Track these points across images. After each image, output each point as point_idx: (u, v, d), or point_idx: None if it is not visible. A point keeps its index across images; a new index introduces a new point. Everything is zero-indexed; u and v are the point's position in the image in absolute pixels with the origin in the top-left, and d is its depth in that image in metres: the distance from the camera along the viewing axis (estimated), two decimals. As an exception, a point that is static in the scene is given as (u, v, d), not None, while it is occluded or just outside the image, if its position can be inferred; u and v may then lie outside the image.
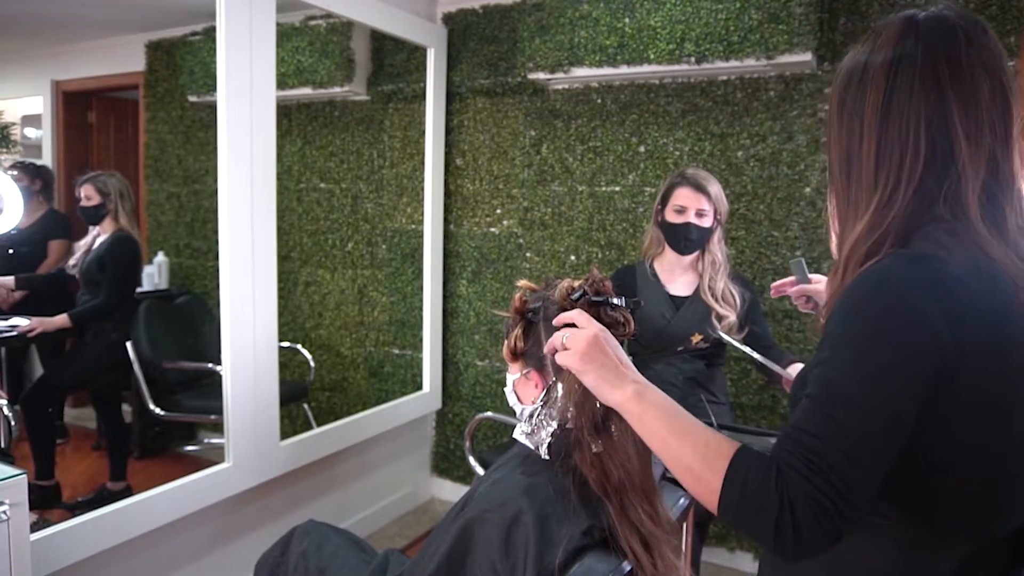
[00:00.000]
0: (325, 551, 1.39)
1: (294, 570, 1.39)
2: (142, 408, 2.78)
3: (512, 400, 1.19)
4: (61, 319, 2.56)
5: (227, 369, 2.05)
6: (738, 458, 0.74)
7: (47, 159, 3.05)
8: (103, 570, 1.84)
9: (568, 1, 2.56)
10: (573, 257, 2.86)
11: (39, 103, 3.10)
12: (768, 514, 0.69)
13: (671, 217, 2.04)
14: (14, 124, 2.74)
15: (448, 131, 3.04)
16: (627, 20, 2.46)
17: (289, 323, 3.28)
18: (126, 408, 2.93)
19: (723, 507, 0.74)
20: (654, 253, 2.13)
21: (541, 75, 2.68)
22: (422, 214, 3.01)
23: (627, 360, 0.93)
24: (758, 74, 2.46)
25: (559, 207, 2.87)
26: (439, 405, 3.15)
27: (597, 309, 1.09)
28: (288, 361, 3.19)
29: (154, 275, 3.20)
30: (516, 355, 1.17)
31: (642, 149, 2.69)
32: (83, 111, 3.20)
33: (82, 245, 2.65)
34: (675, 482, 1.43)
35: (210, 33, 2.88)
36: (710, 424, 0.85)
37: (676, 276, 2.10)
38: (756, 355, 1.68)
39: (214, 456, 2.19)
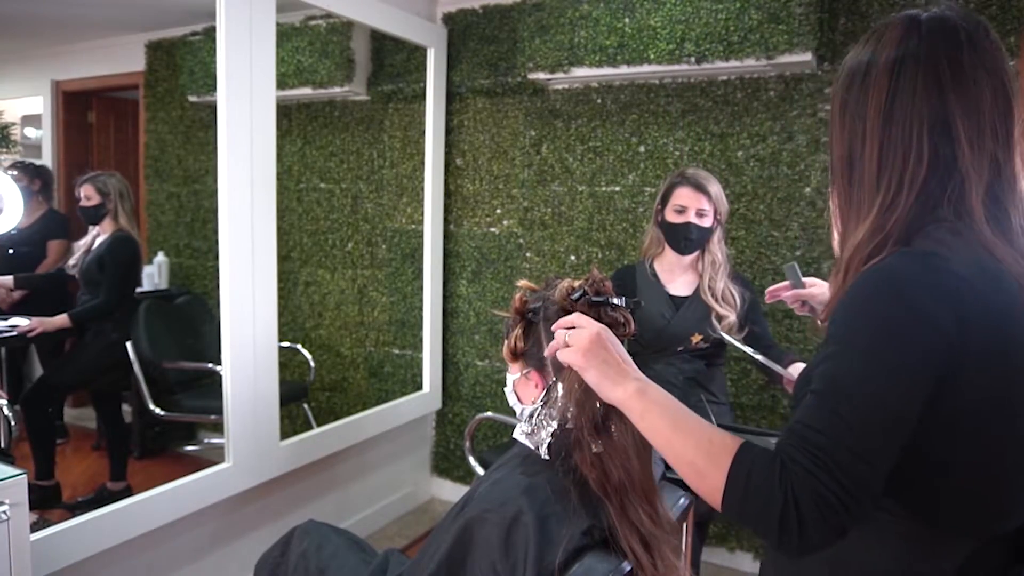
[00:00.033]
0: (325, 551, 1.39)
1: (294, 570, 1.39)
2: (142, 408, 2.78)
3: (512, 400, 1.19)
4: (61, 319, 2.56)
5: (227, 369, 2.05)
6: (742, 454, 0.74)
7: (47, 159, 3.05)
8: (103, 570, 1.84)
9: (568, 1, 2.56)
10: (573, 257, 2.86)
11: (39, 103, 3.09)
12: (772, 509, 0.69)
13: (671, 217, 2.04)
14: (14, 124, 2.74)
15: (448, 131, 3.04)
16: (627, 20, 2.46)
17: (289, 323, 3.28)
18: (126, 408, 2.93)
19: (727, 503, 0.74)
20: (654, 253, 2.13)
21: (541, 75, 2.68)
22: (422, 214, 3.01)
23: (628, 358, 0.94)
24: (758, 74, 2.46)
25: (559, 207, 2.87)
26: (439, 405, 3.15)
27: (597, 309, 1.09)
28: (288, 361, 3.19)
29: (154, 275, 3.20)
30: (516, 355, 1.17)
31: (642, 149, 2.69)
32: (83, 111, 3.20)
33: (82, 245, 2.65)
34: (675, 482, 1.43)
35: (210, 33, 2.89)
36: None
37: (676, 276, 2.10)
38: (757, 355, 1.68)
39: (214, 456, 2.19)
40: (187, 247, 3.34)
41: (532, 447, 1.15)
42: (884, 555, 0.80)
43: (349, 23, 2.83)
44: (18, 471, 1.30)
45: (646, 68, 2.48)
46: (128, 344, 2.68)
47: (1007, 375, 0.74)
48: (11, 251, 2.70)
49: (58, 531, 1.67)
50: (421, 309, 3.05)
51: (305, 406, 3.12)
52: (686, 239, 2.02)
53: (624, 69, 2.51)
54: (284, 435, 2.30)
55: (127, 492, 2.61)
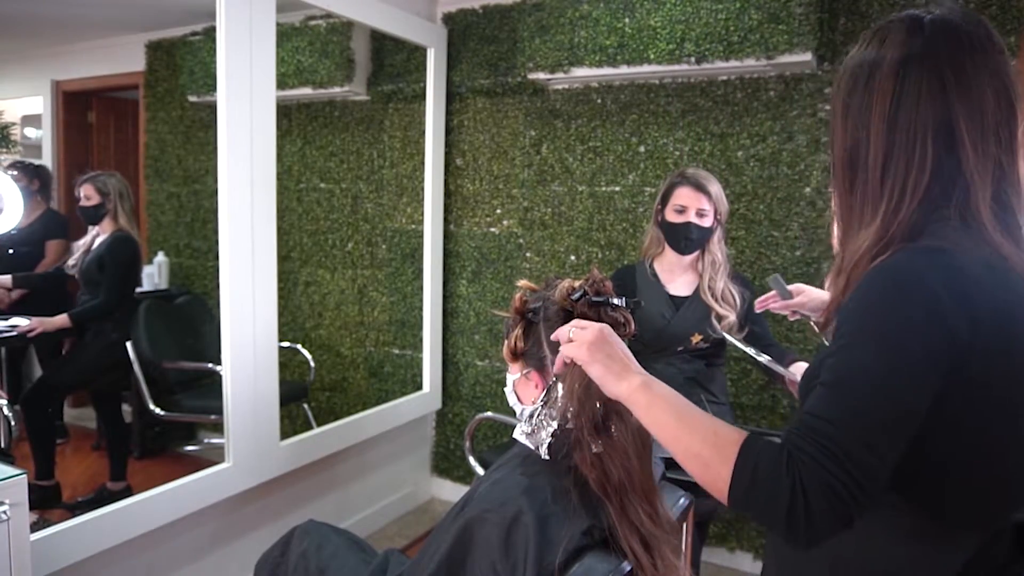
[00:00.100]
0: (325, 551, 1.39)
1: (294, 570, 1.39)
2: (142, 408, 2.78)
3: (512, 400, 1.19)
4: (61, 319, 2.56)
5: (227, 369, 2.05)
6: (748, 445, 0.74)
7: (47, 159, 3.05)
8: (103, 570, 1.84)
9: (568, 1, 2.56)
10: (573, 257, 2.86)
11: (39, 103, 3.09)
12: (780, 499, 0.69)
13: (671, 217, 2.04)
14: (14, 124, 2.74)
15: (448, 131, 3.04)
16: (627, 20, 2.46)
17: (289, 323, 3.28)
18: (126, 408, 2.92)
19: (733, 494, 0.73)
20: (654, 253, 2.13)
21: (541, 75, 2.68)
22: (422, 214, 3.01)
23: (631, 355, 0.94)
24: (758, 74, 2.46)
25: (559, 207, 2.87)
26: (439, 405, 3.15)
27: (597, 309, 1.09)
28: (288, 361, 3.19)
29: (154, 275, 3.20)
30: (516, 355, 1.17)
31: (642, 149, 2.69)
32: (83, 111, 3.19)
33: (81, 245, 2.65)
34: (675, 482, 1.43)
35: (210, 33, 2.88)
36: None
37: (676, 276, 2.10)
38: (759, 356, 1.68)
39: (214, 456, 2.19)
40: (187, 247, 3.34)
41: (532, 447, 1.15)
42: (891, 550, 0.80)
43: (349, 23, 2.83)
44: (18, 471, 1.30)
45: (646, 68, 2.48)
46: (128, 344, 2.68)
47: (1009, 375, 0.75)
48: (11, 251, 2.70)
49: (58, 531, 1.67)
50: (421, 309, 3.05)
51: (305, 406, 3.12)
52: (686, 239, 2.02)
53: (624, 69, 2.51)
54: (284, 435, 2.30)
55: (127, 492, 2.61)
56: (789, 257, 2.47)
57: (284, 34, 2.85)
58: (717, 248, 2.05)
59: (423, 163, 2.98)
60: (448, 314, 3.13)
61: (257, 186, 2.07)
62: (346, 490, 2.78)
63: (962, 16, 0.80)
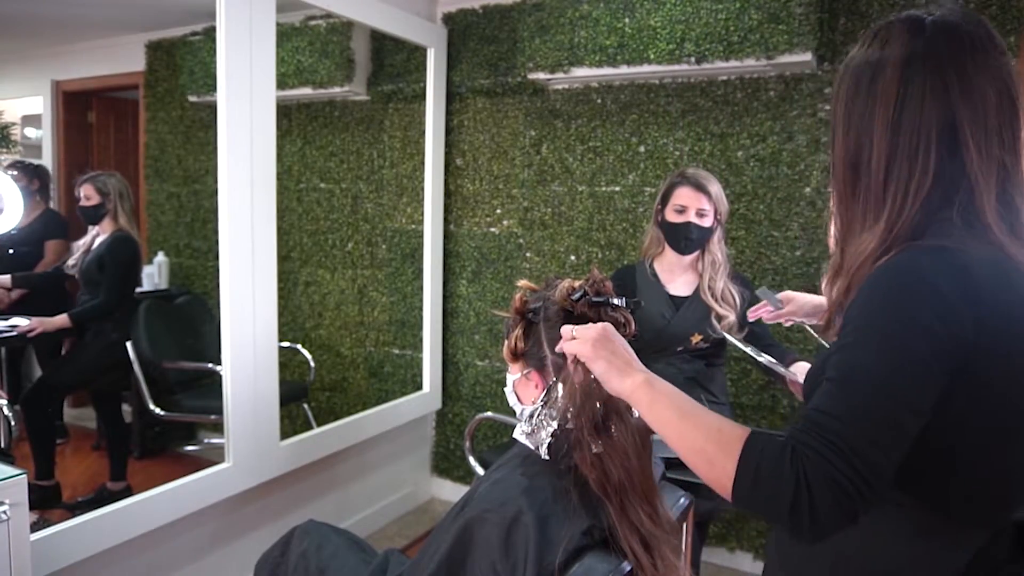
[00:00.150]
0: (325, 551, 1.39)
1: (294, 570, 1.39)
2: (142, 408, 2.78)
3: (512, 400, 1.19)
4: (61, 319, 2.56)
5: (227, 369, 2.05)
6: (752, 440, 0.74)
7: (47, 159, 3.05)
8: (103, 570, 1.84)
9: (568, 1, 2.56)
10: (573, 257, 2.86)
11: (39, 103, 3.09)
12: (784, 493, 0.69)
13: (671, 217, 2.04)
14: (14, 124, 2.74)
15: (448, 131, 3.04)
16: (627, 20, 2.46)
17: (289, 323, 3.28)
18: (126, 408, 2.92)
19: (738, 489, 0.73)
20: (654, 253, 2.13)
21: (541, 75, 2.68)
22: (422, 214, 3.01)
23: (633, 353, 0.94)
24: (758, 74, 2.46)
25: (559, 207, 2.87)
26: (439, 405, 3.15)
27: (598, 309, 1.09)
28: (288, 361, 3.19)
29: (154, 275, 3.20)
30: (516, 355, 1.17)
31: (642, 149, 2.69)
32: (83, 111, 3.19)
33: (81, 245, 2.65)
34: (675, 482, 1.43)
35: (210, 33, 2.88)
36: None
37: (676, 276, 2.10)
38: (759, 356, 1.68)
39: (214, 456, 2.19)
40: (187, 247, 3.34)
41: (532, 447, 1.15)
42: (893, 549, 0.80)
43: (349, 23, 2.83)
44: (18, 471, 1.30)
45: (646, 68, 2.48)
46: (128, 344, 2.68)
47: (1011, 374, 0.75)
48: (11, 251, 2.70)
49: (58, 531, 1.67)
50: (421, 309, 3.05)
51: (305, 406, 3.12)
52: (686, 239, 2.02)
53: (624, 69, 2.51)
54: (284, 435, 2.30)
55: (127, 492, 2.61)
56: (789, 257, 2.47)
57: (284, 34, 2.85)
58: (717, 248, 2.05)
59: (423, 163, 2.98)
60: (448, 314, 3.13)
61: (257, 186, 2.07)
62: (346, 490, 2.78)
63: (962, 16, 0.80)
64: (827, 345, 0.94)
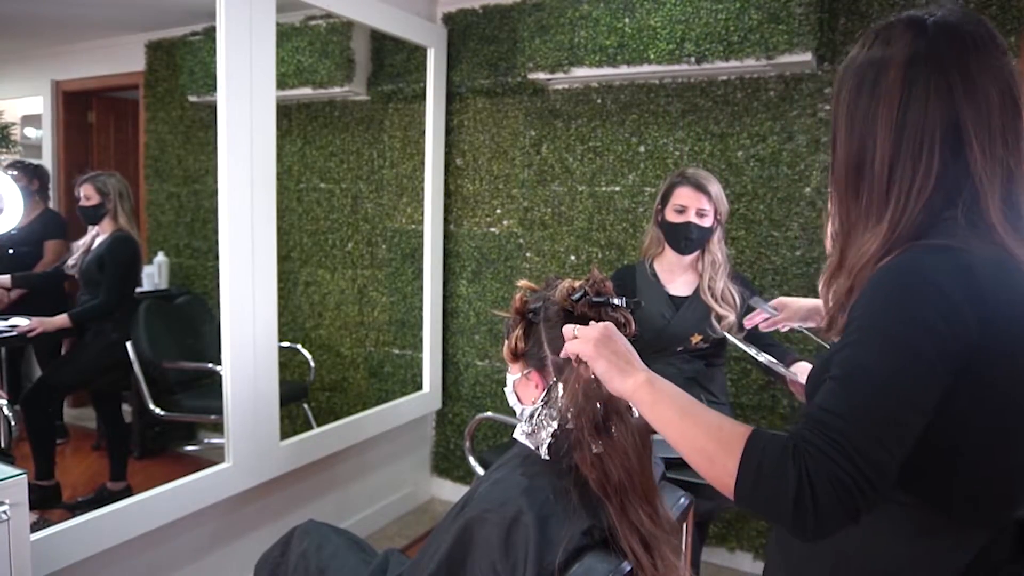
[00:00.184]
0: (325, 551, 1.39)
1: (294, 570, 1.39)
2: (142, 408, 2.78)
3: (512, 400, 1.19)
4: (61, 319, 2.56)
5: (227, 369, 2.05)
6: (754, 439, 0.74)
7: (47, 159, 3.05)
8: (103, 570, 1.84)
9: (568, 1, 2.56)
10: (573, 257, 2.86)
11: (39, 103, 3.09)
12: (786, 491, 0.69)
13: (671, 217, 2.04)
14: (14, 124, 2.74)
15: (448, 131, 3.04)
16: (627, 20, 2.46)
17: (289, 323, 3.28)
18: (126, 408, 2.92)
19: (740, 487, 0.73)
20: (654, 253, 2.13)
21: (541, 75, 2.68)
22: (422, 214, 3.01)
23: (635, 353, 0.94)
24: (758, 74, 2.46)
25: (559, 207, 2.87)
26: (439, 405, 3.15)
27: (598, 310, 1.09)
28: (288, 361, 3.19)
29: (154, 275, 3.20)
30: (517, 355, 1.17)
31: (642, 149, 2.69)
32: (83, 111, 3.19)
33: (81, 245, 2.65)
34: (675, 482, 1.43)
35: (210, 33, 2.88)
36: None
37: (676, 276, 2.10)
38: (760, 355, 1.68)
39: (214, 456, 2.19)
40: (187, 247, 3.34)
41: (532, 447, 1.15)
42: (895, 548, 0.80)
43: (349, 23, 2.83)
44: (18, 471, 1.30)
45: (646, 68, 2.48)
46: (128, 344, 2.68)
47: (1015, 374, 0.75)
48: (11, 251, 2.70)
49: (58, 531, 1.67)
50: (421, 309, 3.05)
51: (305, 406, 3.12)
52: (686, 239, 2.02)
53: (624, 69, 2.51)
54: (284, 435, 2.30)
55: (127, 492, 2.61)
56: (789, 257, 2.47)
57: (284, 34, 2.85)
58: (717, 248, 2.05)
59: (423, 163, 2.98)
60: (448, 314, 3.13)
61: (257, 186, 2.07)
62: (346, 490, 2.78)
63: (964, 16, 0.80)
64: (828, 346, 0.94)
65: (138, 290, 2.94)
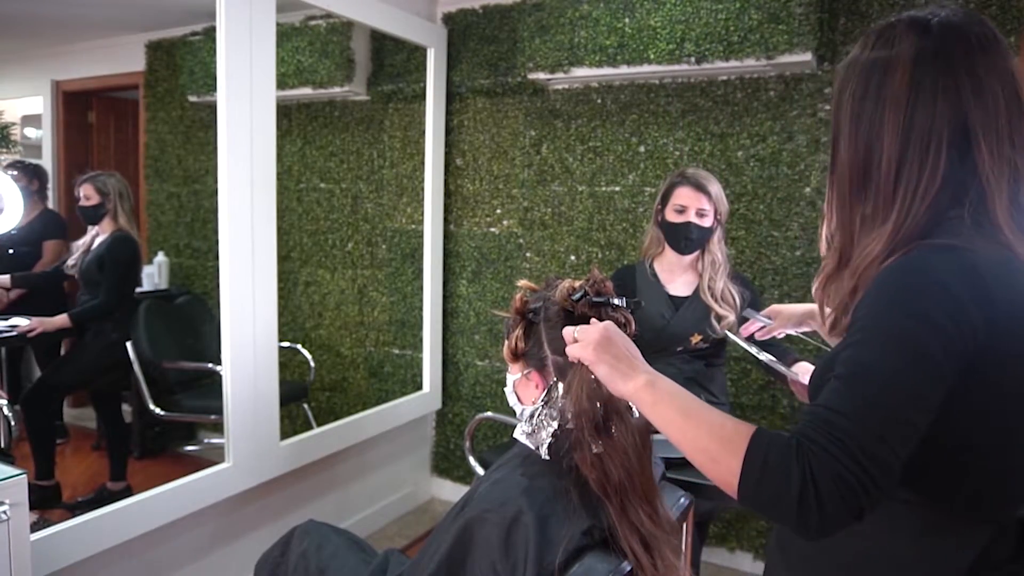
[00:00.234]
0: (325, 551, 1.39)
1: (294, 570, 1.39)
2: (142, 408, 2.78)
3: (512, 400, 1.19)
4: (61, 319, 2.56)
5: (227, 369, 2.05)
6: (757, 437, 0.74)
7: (47, 159, 3.05)
8: (103, 570, 1.84)
9: (568, 1, 2.56)
10: (573, 257, 2.86)
11: (39, 103, 3.09)
12: (790, 489, 0.69)
13: (671, 217, 2.04)
14: (14, 124, 2.74)
15: (448, 131, 3.04)
16: (627, 20, 2.46)
17: (289, 323, 3.28)
18: (126, 408, 2.92)
19: (743, 486, 0.73)
20: (654, 253, 2.13)
21: (541, 75, 2.68)
22: (422, 214, 3.01)
23: (637, 352, 0.94)
24: (758, 74, 2.46)
25: (559, 207, 2.87)
26: (439, 405, 3.15)
27: (598, 310, 1.09)
28: (288, 361, 3.19)
29: (154, 275, 3.20)
30: (517, 356, 1.17)
31: (642, 149, 2.69)
32: (83, 111, 3.19)
33: (81, 245, 2.65)
34: (675, 482, 1.43)
35: (210, 33, 2.88)
36: None
37: (676, 276, 2.10)
38: (761, 355, 1.68)
39: (214, 456, 2.19)
40: (187, 247, 3.34)
41: (533, 447, 1.15)
42: (902, 544, 0.80)
43: (349, 23, 2.83)
44: (18, 471, 1.30)
45: (646, 68, 2.48)
46: (128, 344, 2.68)
47: (1020, 375, 0.75)
48: (11, 251, 2.70)
49: (58, 531, 1.67)
50: (421, 309, 3.05)
51: (305, 406, 3.12)
52: (686, 239, 2.02)
53: (624, 69, 2.51)
54: (284, 435, 2.30)
55: (127, 492, 2.61)
56: (789, 257, 2.47)
57: (284, 34, 2.85)
58: (717, 248, 2.05)
59: (423, 163, 2.98)
60: (448, 314, 3.13)
61: (257, 186, 2.07)
62: (346, 490, 2.78)
63: (967, 17, 0.80)
64: (829, 348, 0.94)
65: (138, 290, 2.94)
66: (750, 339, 1.91)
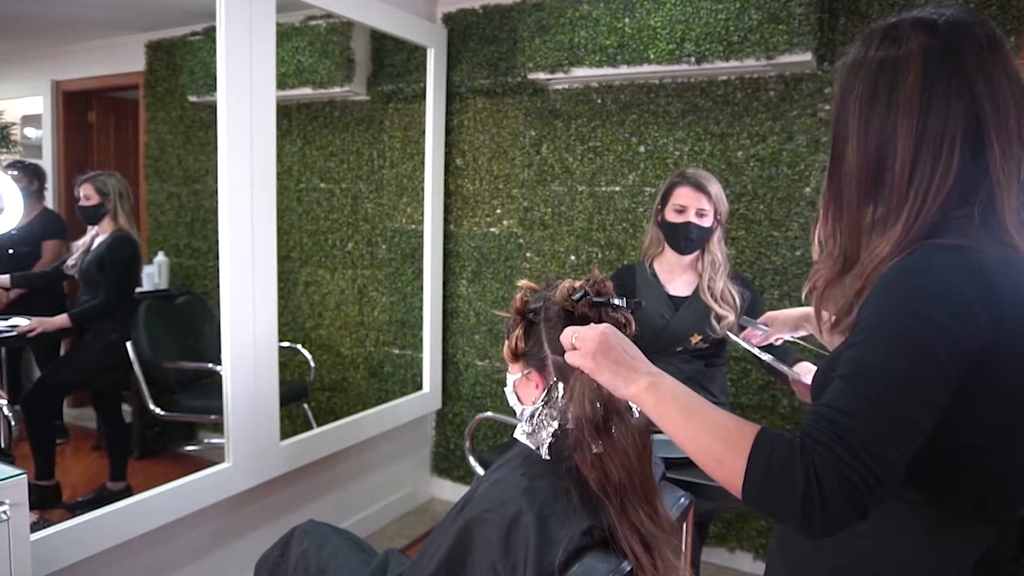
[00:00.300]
0: (325, 551, 1.39)
1: (294, 570, 1.39)
2: (142, 408, 2.78)
3: (512, 400, 1.19)
4: (61, 319, 2.56)
5: (227, 369, 2.05)
6: (761, 437, 0.74)
7: (47, 159, 3.05)
8: (103, 570, 1.84)
9: (568, 1, 2.56)
10: (573, 257, 2.86)
11: (39, 103, 3.09)
12: (794, 489, 0.69)
13: (671, 217, 2.04)
14: (14, 124, 2.74)
15: (448, 131, 3.04)
16: (627, 20, 2.46)
17: (289, 323, 3.28)
18: (126, 408, 2.92)
19: (747, 486, 0.73)
20: (654, 253, 2.13)
21: (541, 75, 2.68)
22: (422, 214, 3.01)
23: (638, 352, 0.94)
24: (758, 74, 2.46)
25: (559, 207, 2.87)
26: (439, 405, 3.15)
27: (598, 310, 1.09)
28: (288, 361, 3.19)
29: (154, 275, 3.20)
30: (517, 356, 1.17)
31: (642, 149, 2.69)
32: (83, 111, 3.19)
33: (80, 245, 2.65)
34: (675, 482, 1.43)
35: (210, 33, 2.88)
36: None
37: (676, 276, 2.10)
38: (762, 355, 1.68)
39: (214, 456, 2.19)
40: (187, 247, 3.34)
41: (533, 447, 1.15)
42: (906, 544, 0.80)
43: (349, 23, 2.83)
44: (18, 471, 1.30)
45: (646, 68, 2.48)
46: (128, 344, 2.68)
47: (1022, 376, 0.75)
48: (10, 251, 2.70)
49: (58, 531, 1.67)
50: (421, 309, 3.05)
51: (305, 406, 3.12)
52: (686, 239, 2.02)
53: (624, 69, 2.51)
54: (284, 435, 2.30)
55: (127, 492, 2.61)
56: (789, 257, 2.47)
57: (284, 34, 2.85)
58: (717, 248, 2.05)
59: (423, 163, 2.98)
60: (448, 314, 3.13)
61: (257, 186, 2.07)
62: (346, 490, 2.78)
63: (972, 16, 0.80)
64: (826, 351, 0.94)
65: (138, 290, 2.94)
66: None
